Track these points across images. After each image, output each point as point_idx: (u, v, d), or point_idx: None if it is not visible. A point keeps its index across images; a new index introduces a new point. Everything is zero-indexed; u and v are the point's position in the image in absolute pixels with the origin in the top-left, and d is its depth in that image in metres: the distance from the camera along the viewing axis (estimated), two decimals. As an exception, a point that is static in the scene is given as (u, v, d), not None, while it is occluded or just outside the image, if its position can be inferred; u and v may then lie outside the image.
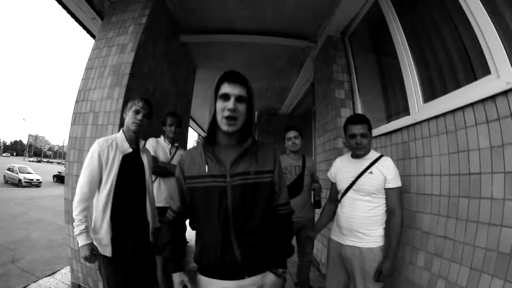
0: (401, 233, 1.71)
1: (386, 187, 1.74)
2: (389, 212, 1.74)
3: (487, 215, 1.41)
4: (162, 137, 2.64)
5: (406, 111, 2.30)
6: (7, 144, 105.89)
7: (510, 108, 1.33)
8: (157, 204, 2.19)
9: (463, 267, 1.52)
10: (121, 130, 1.82)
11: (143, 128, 1.84)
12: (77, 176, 2.58)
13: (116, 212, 1.64)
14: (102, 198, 1.62)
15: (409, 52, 2.29)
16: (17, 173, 17.47)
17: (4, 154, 74.46)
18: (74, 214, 1.57)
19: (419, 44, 2.25)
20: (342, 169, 1.95)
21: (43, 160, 67.24)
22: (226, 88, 1.05)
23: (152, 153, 2.36)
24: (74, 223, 1.57)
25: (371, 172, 1.77)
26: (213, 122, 1.09)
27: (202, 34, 3.96)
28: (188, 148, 4.34)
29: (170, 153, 2.61)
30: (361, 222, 1.75)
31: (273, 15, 3.53)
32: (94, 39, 3.20)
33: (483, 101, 1.49)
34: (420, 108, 2.12)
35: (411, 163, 2.10)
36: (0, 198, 10.89)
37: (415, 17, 2.33)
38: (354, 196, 1.81)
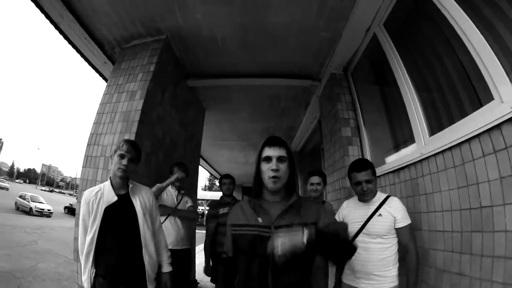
0: (418, 270, 1.75)
1: (396, 227, 1.79)
2: (403, 250, 1.78)
3: (502, 249, 1.34)
4: (169, 186, 2.81)
5: (413, 141, 2.29)
6: (21, 171, 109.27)
7: None
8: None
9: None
10: (109, 178, 1.82)
11: (129, 173, 1.82)
12: None
13: (101, 259, 1.67)
14: (86, 245, 1.67)
15: (411, 84, 2.32)
16: (28, 201, 17.88)
17: (17, 181, 76.99)
18: (81, 264, 1.70)
19: (420, 75, 2.30)
20: (350, 213, 2.02)
21: (55, 190, 69.00)
22: (268, 151, 1.23)
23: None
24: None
25: (380, 215, 1.83)
26: (258, 181, 1.26)
27: (208, 78, 4.21)
28: (195, 193, 4.85)
29: (177, 200, 2.84)
30: (376, 264, 1.76)
31: (274, 57, 3.74)
32: (106, 81, 3.46)
33: (488, 131, 1.46)
34: (426, 142, 2.10)
35: (420, 200, 2.05)
36: (10, 224, 11.05)
37: (413, 47, 2.42)
38: (365, 239, 1.83)
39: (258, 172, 1.26)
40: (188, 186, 3.65)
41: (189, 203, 2.96)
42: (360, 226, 1.86)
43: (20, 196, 18.95)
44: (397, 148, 2.79)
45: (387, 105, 3.05)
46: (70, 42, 3.29)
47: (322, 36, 3.28)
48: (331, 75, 3.73)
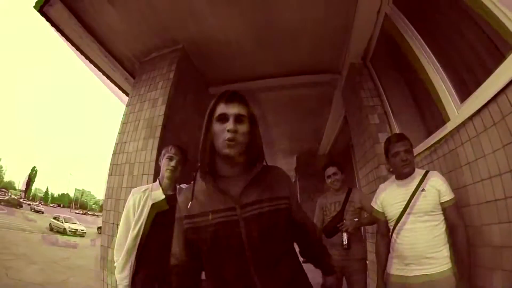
0: (470, 250, 1.60)
1: (442, 201, 1.66)
2: (451, 229, 1.64)
3: None
4: None
5: (445, 115, 2.13)
6: (55, 195, 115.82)
7: None
8: None
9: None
10: (157, 179, 1.94)
11: (177, 174, 1.93)
12: (113, 224, 2.77)
13: (141, 258, 1.72)
14: (128, 241, 1.71)
15: (432, 56, 2.23)
16: (62, 222, 18.65)
17: (51, 205, 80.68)
18: (114, 258, 1.74)
19: (439, 45, 2.20)
20: (390, 195, 1.89)
21: (88, 213, 72.72)
22: (222, 108, 0.97)
23: None
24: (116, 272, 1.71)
25: (423, 190, 1.71)
26: (209, 149, 0.98)
27: (227, 84, 4.30)
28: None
29: None
30: (426, 245, 1.63)
31: (291, 54, 3.76)
32: (128, 96, 3.65)
33: None
34: (458, 110, 1.95)
35: (463, 171, 1.85)
36: (44, 243, 11.72)
37: (427, 19, 2.34)
38: (411, 219, 1.71)
39: (208, 137, 0.99)
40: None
41: None
42: (403, 206, 1.74)
43: (54, 218, 19.87)
44: (429, 127, 2.62)
45: (411, 86, 2.95)
46: (91, 61, 3.58)
47: (335, 25, 3.26)
48: (350, 65, 3.67)
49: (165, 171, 1.88)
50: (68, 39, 3.28)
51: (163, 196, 1.83)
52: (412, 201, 1.71)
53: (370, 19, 2.98)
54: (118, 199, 2.87)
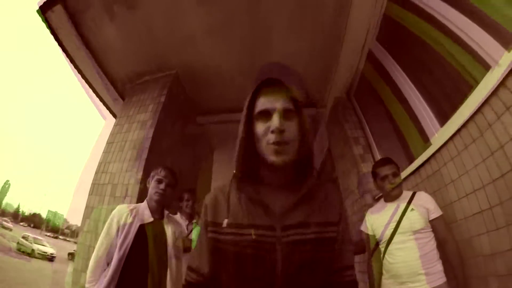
0: (462, 262, 1.68)
1: (431, 218, 1.75)
2: (442, 243, 1.72)
3: None
4: (178, 214, 2.69)
5: (427, 141, 2.30)
6: (26, 214, 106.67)
7: None
8: None
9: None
10: (145, 200, 1.87)
11: (167, 198, 1.86)
12: (90, 246, 2.57)
13: (125, 283, 1.58)
14: (112, 265, 1.59)
15: (412, 85, 2.47)
16: (31, 243, 17.24)
17: (21, 223, 75.12)
18: (87, 278, 1.63)
19: (419, 75, 2.45)
20: (380, 217, 1.96)
21: (59, 237, 66.74)
22: (265, 102, 0.78)
23: None
24: (86, 284, 1.61)
25: (412, 209, 1.79)
26: (249, 152, 0.79)
27: (216, 114, 4.41)
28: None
29: (187, 230, 2.64)
30: (419, 262, 1.68)
31: (279, 88, 3.94)
32: (115, 118, 3.63)
33: (495, 92, 1.52)
34: (439, 134, 2.13)
35: (448, 189, 1.98)
36: (10, 262, 11.06)
37: (409, 53, 2.60)
38: (402, 239, 1.77)
39: (248, 137, 0.80)
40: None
41: None
42: (393, 226, 1.80)
43: (23, 237, 18.36)
44: (411, 156, 2.77)
45: (393, 117, 3.13)
46: (83, 76, 3.61)
47: (322, 61, 3.56)
48: (335, 99, 3.93)
49: (153, 194, 1.81)
50: (64, 49, 3.32)
51: (152, 219, 1.76)
52: (403, 221, 1.78)
53: (355, 55, 3.29)
54: (97, 220, 2.71)
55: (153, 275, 1.65)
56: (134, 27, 3.14)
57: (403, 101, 2.58)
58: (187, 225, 2.65)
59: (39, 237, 19.81)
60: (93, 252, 2.56)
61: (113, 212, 1.75)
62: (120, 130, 3.27)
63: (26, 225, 74.37)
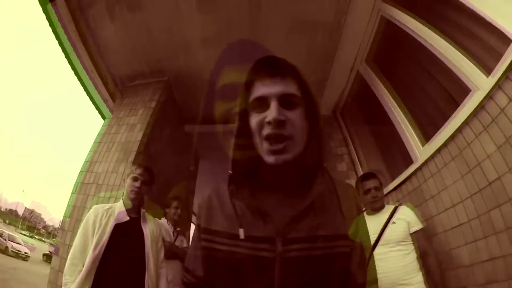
0: (443, 273, 1.75)
1: (411, 231, 1.83)
2: (423, 255, 1.78)
3: None
4: (164, 219, 2.68)
5: (409, 160, 2.42)
6: (2, 210, 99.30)
7: (498, 105, 1.51)
8: None
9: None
10: (121, 199, 1.86)
11: (141, 196, 1.84)
12: (69, 246, 2.47)
13: (99, 283, 1.54)
14: (86, 265, 1.55)
15: (397, 106, 2.62)
16: (5, 240, 16.35)
17: None
18: (63, 279, 1.58)
19: (404, 96, 2.61)
20: None
21: (35, 236, 63.11)
22: (259, 89, 0.64)
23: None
24: (63, 286, 1.57)
25: (394, 222, 1.88)
26: (246, 148, 0.66)
27: (205, 124, 4.42)
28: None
29: (173, 235, 2.67)
30: (400, 272, 1.74)
31: (268, 102, 4.05)
32: (103, 119, 3.59)
33: (474, 113, 1.66)
34: (421, 152, 2.26)
35: (428, 204, 2.10)
36: None
37: (395, 75, 2.79)
38: (384, 250, 1.83)
39: (244, 130, 0.66)
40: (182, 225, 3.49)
41: (185, 244, 2.78)
42: (375, 238, 1.87)
43: None
44: (393, 173, 2.90)
45: (377, 136, 3.32)
46: (76, 73, 3.53)
47: (312, 80, 3.63)
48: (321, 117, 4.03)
49: (129, 192, 1.80)
50: (60, 44, 3.27)
51: (127, 218, 1.75)
52: (384, 233, 1.86)
53: (343, 75, 3.47)
54: (79, 220, 2.64)
55: (131, 275, 1.63)
56: (133, 30, 3.17)
57: (388, 122, 2.71)
58: (173, 232, 2.66)
59: (14, 234, 18.79)
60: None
61: (89, 212, 1.73)
62: (109, 131, 3.24)
63: (1, 221, 69.30)
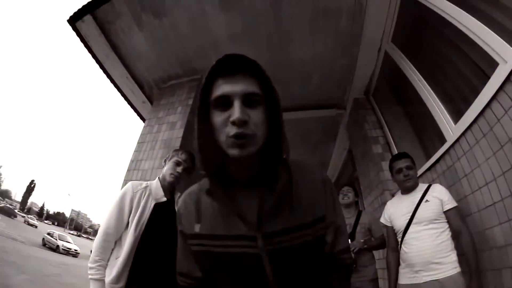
0: (476, 252, 1.70)
1: (445, 209, 1.81)
2: (456, 234, 1.77)
3: None
4: None
5: (443, 140, 2.36)
6: (50, 213, 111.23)
7: None
8: None
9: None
10: (157, 178, 1.81)
11: (181, 182, 1.78)
12: None
13: (138, 264, 1.51)
14: (127, 246, 1.51)
15: (427, 85, 2.57)
16: (56, 239, 18.23)
17: (46, 221, 77.76)
18: (94, 256, 1.51)
19: (434, 74, 2.54)
20: (397, 208, 2.06)
21: (83, 235, 71.05)
22: (221, 87, 0.64)
23: None
24: (90, 264, 1.52)
25: (427, 201, 1.87)
26: (210, 147, 0.66)
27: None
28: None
29: None
30: (433, 251, 1.73)
31: (301, 90, 4.15)
32: (143, 121, 3.96)
33: (501, 87, 1.61)
34: (453, 130, 2.20)
35: (462, 184, 2.04)
36: (36, 256, 11.52)
37: (423, 54, 2.71)
38: (417, 228, 1.85)
39: (205, 132, 0.66)
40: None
41: None
42: (409, 217, 1.89)
43: (48, 233, 19.49)
44: (428, 152, 2.82)
45: (410, 116, 3.25)
46: (112, 81, 3.90)
47: (341, 64, 3.68)
48: (354, 100, 4.03)
49: (168, 175, 1.74)
50: (94, 56, 3.59)
51: (165, 199, 1.71)
52: (417, 211, 1.86)
53: (371, 57, 3.42)
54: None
55: (165, 256, 1.51)
56: (161, 35, 3.37)
57: (419, 101, 2.65)
58: None
59: (63, 234, 20.91)
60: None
61: (125, 188, 1.66)
62: (151, 131, 3.52)
63: (50, 223, 77.72)
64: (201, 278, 0.75)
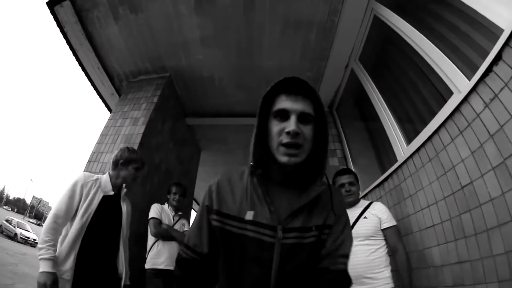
0: (410, 270, 1.70)
1: (382, 227, 1.79)
2: (392, 251, 1.75)
3: (494, 218, 1.28)
4: (166, 205, 2.75)
5: (395, 159, 2.33)
6: (10, 198, 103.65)
7: (474, 110, 1.41)
8: (156, 266, 2.40)
9: (490, 285, 1.27)
10: (108, 173, 1.85)
11: (135, 184, 1.92)
12: None
13: (84, 249, 1.55)
14: (74, 231, 1.55)
15: (385, 105, 2.54)
16: (14, 227, 16.78)
17: (5, 207, 72.43)
18: (43, 237, 1.48)
19: (394, 96, 2.52)
20: None
21: (42, 224, 65.82)
22: (284, 103, 0.73)
23: (156, 216, 2.53)
24: (40, 245, 1.47)
25: (365, 217, 1.85)
26: (262, 148, 0.77)
27: (205, 117, 4.47)
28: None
29: (173, 220, 2.69)
30: (365, 266, 1.70)
31: (265, 96, 4.01)
32: (110, 112, 3.66)
33: (451, 116, 1.57)
34: (404, 151, 2.17)
35: (406, 203, 2.03)
36: None
37: (385, 74, 2.70)
38: (353, 243, 1.73)
39: (262, 133, 0.77)
40: (183, 210, 3.54)
41: (186, 227, 2.76)
42: None
43: (6, 220, 17.83)
44: (384, 168, 2.82)
45: (369, 133, 3.23)
46: (83, 69, 3.60)
47: (307, 77, 3.57)
48: (318, 113, 3.95)
49: (127, 177, 1.84)
50: (68, 43, 3.32)
51: (112, 193, 1.77)
52: (355, 226, 1.82)
53: (338, 73, 3.36)
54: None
55: (109, 246, 1.68)
56: (135, 29, 3.16)
57: (378, 119, 2.62)
58: (174, 216, 2.70)
59: (22, 222, 19.25)
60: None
61: (78, 176, 1.71)
62: (114, 124, 3.28)
63: (10, 209, 72.42)
64: (205, 254, 0.80)
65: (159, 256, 2.44)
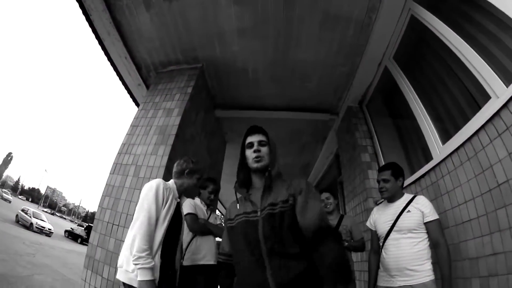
0: (451, 264, 1.88)
1: (425, 221, 1.99)
2: (434, 245, 1.95)
3: None
4: (197, 199, 2.88)
5: (428, 160, 2.64)
6: (25, 188, 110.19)
7: None
8: (197, 262, 2.54)
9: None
10: (172, 181, 2.05)
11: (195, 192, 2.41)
12: (108, 222, 2.90)
13: (163, 250, 1.76)
14: (158, 236, 1.74)
15: (421, 104, 2.82)
16: (30, 217, 17.87)
17: (20, 197, 77.29)
18: (141, 245, 1.63)
19: (428, 96, 2.80)
20: (381, 215, 2.27)
21: (56, 214, 70.78)
22: (250, 138, 1.44)
23: (192, 211, 2.66)
24: (138, 254, 1.60)
25: (408, 211, 2.07)
26: (244, 168, 1.45)
27: (234, 109, 4.77)
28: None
29: (207, 214, 2.86)
30: (409, 258, 1.94)
31: (299, 92, 4.36)
32: (135, 103, 3.99)
33: (490, 120, 1.86)
34: (440, 150, 2.47)
35: (443, 199, 2.31)
36: (10, 233, 11.33)
37: (420, 73, 2.98)
38: (396, 236, 2.06)
39: (243, 160, 1.45)
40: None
41: (218, 221, 2.98)
42: (391, 224, 2.10)
43: (23, 210, 18.99)
44: (412, 165, 3.13)
45: (400, 130, 3.54)
46: (109, 59, 3.83)
47: (341, 72, 3.91)
48: (348, 108, 4.29)
49: (190, 188, 2.08)
50: (94, 31, 3.50)
51: (179, 200, 2.02)
52: (399, 220, 2.07)
53: (371, 70, 3.66)
54: (118, 199, 3.00)
55: (175, 246, 1.91)
56: (168, 18, 3.36)
57: (411, 117, 2.92)
58: (206, 210, 2.86)
59: (38, 211, 20.22)
60: (111, 228, 2.86)
61: (157, 181, 1.86)
62: (145, 115, 3.53)
63: (25, 198, 75.37)
64: (229, 254, 1.43)
65: (199, 251, 2.58)
